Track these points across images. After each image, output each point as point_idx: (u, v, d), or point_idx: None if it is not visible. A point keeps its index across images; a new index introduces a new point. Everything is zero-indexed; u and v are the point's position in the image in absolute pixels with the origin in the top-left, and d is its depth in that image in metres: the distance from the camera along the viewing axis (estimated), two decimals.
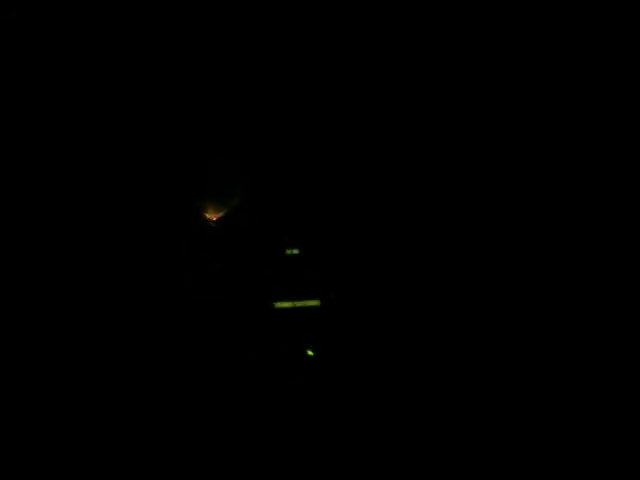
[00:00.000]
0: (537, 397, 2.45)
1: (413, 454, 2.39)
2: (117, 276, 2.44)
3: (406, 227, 2.59)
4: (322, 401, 2.45)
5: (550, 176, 2.59)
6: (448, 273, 2.56)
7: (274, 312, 2.52)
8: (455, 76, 2.62)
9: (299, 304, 2.54)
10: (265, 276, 2.54)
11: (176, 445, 2.34)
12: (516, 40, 2.60)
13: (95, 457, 2.30)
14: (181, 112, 2.55)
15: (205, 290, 2.47)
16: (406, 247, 2.58)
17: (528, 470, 2.36)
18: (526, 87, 2.61)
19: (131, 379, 2.39)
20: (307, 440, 2.39)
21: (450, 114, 2.62)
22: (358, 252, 2.58)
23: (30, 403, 2.32)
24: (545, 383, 2.47)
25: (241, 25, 2.56)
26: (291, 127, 2.62)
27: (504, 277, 2.56)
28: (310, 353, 2.49)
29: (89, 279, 2.43)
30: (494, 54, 2.61)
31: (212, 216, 2.52)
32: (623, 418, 2.39)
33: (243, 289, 2.51)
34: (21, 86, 2.45)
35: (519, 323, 2.53)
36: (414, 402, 2.46)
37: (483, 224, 2.59)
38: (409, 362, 2.51)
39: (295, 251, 2.56)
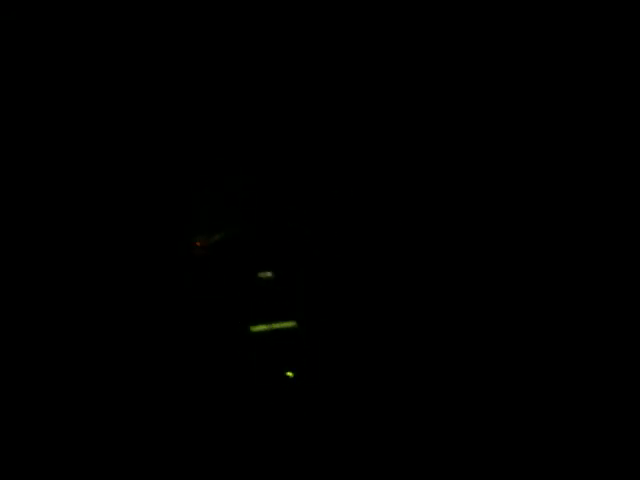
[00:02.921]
0: (537, 396, 2.46)
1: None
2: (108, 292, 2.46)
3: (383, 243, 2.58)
4: (305, 424, 2.43)
5: (550, 176, 2.59)
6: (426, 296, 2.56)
7: (251, 336, 2.50)
8: (455, 76, 2.63)
9: (276, 326, 2.52)
10: (240, 300, 2.52)
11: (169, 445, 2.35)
12: (516, 40, 2.61)
13: (95, 457, 2.31)
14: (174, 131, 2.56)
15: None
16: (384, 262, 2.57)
17: (528, 470, 2.37)
18: (526, 87, 2.62)
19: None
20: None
21: (450, 114, 2.63)
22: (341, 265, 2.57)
23: (30, 403, 2.33)
24: (545, 383, 2.47)
25: (241, 25, 2.58)
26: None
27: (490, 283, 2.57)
28: (290, 374, 2.47)
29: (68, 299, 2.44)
30: (494, 54, 2.62)
31: (201, 244, 2.52)
32: (623, 418, 2.40)
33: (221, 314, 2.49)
34: (21, 86, 2.46)
35: (509, 326, 2.53)
36: (397, 425, 2.44)
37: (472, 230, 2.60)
38: (391, 381, 2.50)
39: (268, 274, 2.54)
